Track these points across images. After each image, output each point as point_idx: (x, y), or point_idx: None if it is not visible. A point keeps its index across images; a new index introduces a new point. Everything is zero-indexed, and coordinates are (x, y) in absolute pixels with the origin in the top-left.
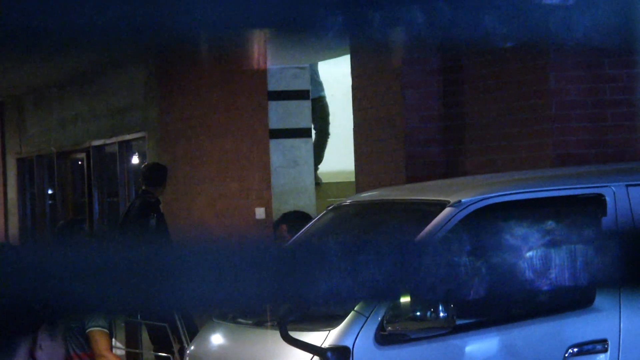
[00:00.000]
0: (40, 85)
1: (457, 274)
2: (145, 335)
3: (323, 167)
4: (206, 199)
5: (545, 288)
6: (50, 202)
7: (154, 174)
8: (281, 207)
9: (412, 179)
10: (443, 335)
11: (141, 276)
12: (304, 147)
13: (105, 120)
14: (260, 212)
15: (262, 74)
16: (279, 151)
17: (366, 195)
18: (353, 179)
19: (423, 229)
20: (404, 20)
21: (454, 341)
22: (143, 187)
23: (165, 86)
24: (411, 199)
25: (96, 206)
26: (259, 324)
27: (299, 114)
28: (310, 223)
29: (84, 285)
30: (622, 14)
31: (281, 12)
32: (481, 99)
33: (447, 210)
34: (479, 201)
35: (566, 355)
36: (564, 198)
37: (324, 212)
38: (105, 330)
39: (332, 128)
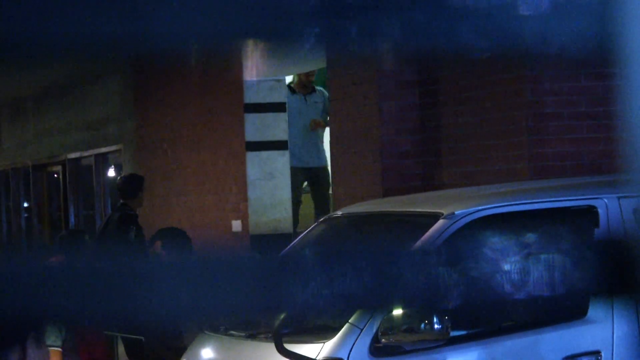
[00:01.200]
0: (16, 97)
1: (451, 286)
2: (121, 348)
3: None
4: (183, 211)
5: (538, 300)
6: (26, 215)
7: (128, 185)
8: (257, 219)
9: (388, 191)
10: (438, 347)
11: (128, 290)
12: (281, 160)
13: (82, 132)
14: (236, 225)
15: (239, 86)
16: (256, 164)
17: (358, 207)
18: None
19: (416, 241)
20: (380, 32)
21: (449, 353)
22: (122, 201)
23: (141, 99)
24: (404, 211)
25: (72, 219)
26: (252, 336)
27: (276, 127)
28: (301, 235)
29: (59, 297)
30: (599, 26)
31: (257, 24)
32: (457, 111)
33: (440, 222)
34: (472, 213)
35: None
36: (556, 210)
37: (316, 224)
38: (56, 348)
39: None
